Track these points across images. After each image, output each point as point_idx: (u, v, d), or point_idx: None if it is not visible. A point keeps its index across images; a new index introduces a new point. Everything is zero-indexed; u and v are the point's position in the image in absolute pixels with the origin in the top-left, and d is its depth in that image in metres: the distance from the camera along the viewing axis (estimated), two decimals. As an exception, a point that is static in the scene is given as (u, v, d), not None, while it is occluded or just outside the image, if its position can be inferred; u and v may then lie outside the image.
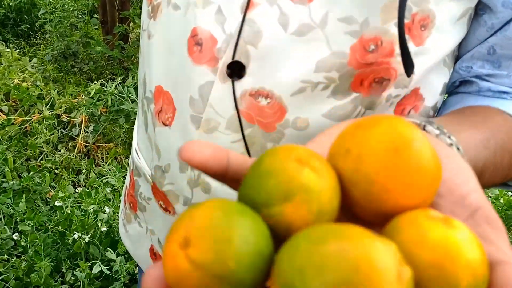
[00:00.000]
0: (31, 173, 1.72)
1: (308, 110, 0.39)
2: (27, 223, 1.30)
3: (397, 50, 0.35)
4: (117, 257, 1.13)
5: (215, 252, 0.18)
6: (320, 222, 0.20)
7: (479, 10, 0.40)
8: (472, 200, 0.22)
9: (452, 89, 0.45)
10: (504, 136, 0.37)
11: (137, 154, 0.56)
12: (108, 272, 1.11)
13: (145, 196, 0.56)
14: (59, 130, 2.11)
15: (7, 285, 1.22)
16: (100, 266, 1.05)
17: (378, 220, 0.22)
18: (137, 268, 0.77)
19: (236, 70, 0.38)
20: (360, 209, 0.22)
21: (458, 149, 0.29)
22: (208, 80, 0.39)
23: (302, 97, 0.38)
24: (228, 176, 0.24)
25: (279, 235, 0.20)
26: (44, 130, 2.03)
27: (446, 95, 0.46)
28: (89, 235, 1.21)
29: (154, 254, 0.60)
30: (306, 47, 0.36)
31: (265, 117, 0.39)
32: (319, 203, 0.20)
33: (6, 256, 1.33)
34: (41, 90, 2.19)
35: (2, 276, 1.25)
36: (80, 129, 2.09)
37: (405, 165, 0.20)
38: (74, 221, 1.28)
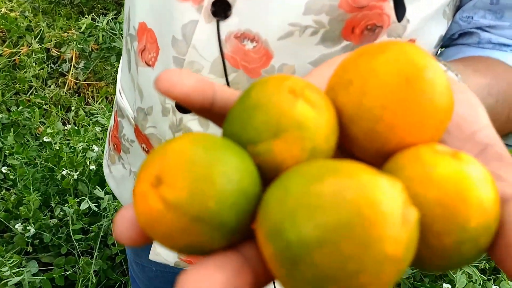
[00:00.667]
0: (20, 107, 1.70)
1: (295, 56, 0.37)
2: (15, 157, 1.30)
3: None
4: (105, 195, 1.15)
5: (192, 190, 0.15)
6: None
7: None
8: (482, 137, 0.20)
9: (450, 41, 0.43)
10: (506, 87, 0.35)
11: (120, 94, 0.54)
12: (96, 209, 1.13)
13: (128, 138, 0.55)
14: (49, 65, 2.06)
15: (-3, 216, 1.25)
16: (88, 202, 1.07)
17: (379, 161, 0.19)
18: None
19: (221, 9, 0.36)
20: (360, 149, 0.19)
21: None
22: (192, 19, 0.37)
23: (290, 42, 0.36)
24: (213, 111, 0.20)
25: (267, 176, 0.18)
26: (33, 64, 1.98)
27: (442, 48, 0.44)
28: (78, 172, 1.22)
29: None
30: None
31: (250, 62, 0.38)
32: (314, 141, 0.17)
33: (-5, 188, 1.35)
34: (30, 21, 2.11)
35: (-8, 208, 1.27)
36: (71, 65, 2.04)
37: (416, 98, 0.17)
38: (63, 158, 1.28)
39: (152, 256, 0.60)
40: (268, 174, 0.18)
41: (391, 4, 0.34)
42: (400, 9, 0.32)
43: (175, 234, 0.16)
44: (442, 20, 0.40)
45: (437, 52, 0.44)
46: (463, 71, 0.31)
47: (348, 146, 0.20)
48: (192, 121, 0.43)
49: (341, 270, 0.14)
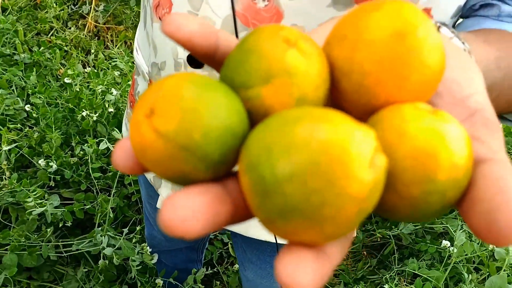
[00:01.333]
0: (42, 48, 1.73)
1: (305, 17, 0.37)
2: (38, 97, 1.34)
3: None
4: (122, 137, 1.19)
5: (180, 122, 0.16)
6: None
7: None
8: (473, 102, 0.20)
9: (470, 12, 0.42)
10: None
11: (137, 51, 0.56)
12: (112, 148, 1.18)
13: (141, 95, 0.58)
14: (69, 6, 2.06)
15: (21, 151, 1.32)
16: (107, 143, 1.12)
17: (367, 116, 0.20)
18: None
19: None
20: (350, 103, 0.20)
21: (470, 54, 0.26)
22: None
23: (301, 2, 0.36)
24: (216, 58, 0.21)
25: (256, 120, 0.19)
26: (54, 4, 1.99)
27: (462, 19, 0.43)
28: (97, 114, 1.26)
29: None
30: None
31: (260, 21, 0.38)
32: (303, 89, 0.18)
33: (19, 125, 1.41)
34: (50, -40, 2.09)
35: (16, 144, 1.33)
36: (91, 8, 2.03)
37: (405, 55, 0.18)
38: (83, 100, 1.32)
39: (159, 205, 0.65)
40: (257, 118, 0.19)
41: None
42: None
43: (163, 161, 0.17)
44: None
45: (456, 22, 0.43)
46: (473, 40, 0.30)
47: (338, 99, 0.20)
48: None
49: (306, 202, 0.15)
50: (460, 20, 0.43)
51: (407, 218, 0.18)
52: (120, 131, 1.25)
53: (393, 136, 0.17)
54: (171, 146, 0.16)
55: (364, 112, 0.20)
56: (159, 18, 0.45)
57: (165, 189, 0.63)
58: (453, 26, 0.42)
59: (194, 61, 0.44)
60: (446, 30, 0.26)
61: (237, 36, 0.40)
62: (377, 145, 0.15)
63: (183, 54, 0.44)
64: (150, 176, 0.67)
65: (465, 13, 0.42)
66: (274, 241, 0.61)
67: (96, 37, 2.03)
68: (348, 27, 0.19)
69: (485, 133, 0.19)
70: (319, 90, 0.18)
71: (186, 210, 0.16)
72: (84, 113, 1.23)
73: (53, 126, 1.24)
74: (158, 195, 0.68)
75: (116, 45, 1.97)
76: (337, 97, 0.20)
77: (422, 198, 0.17)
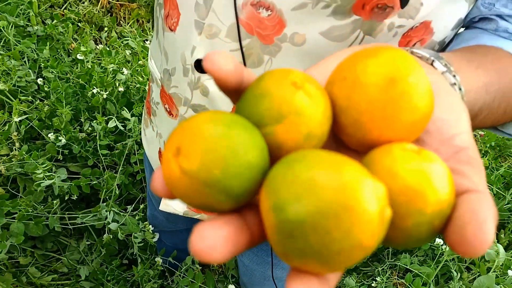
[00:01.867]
0: (55, 21, 1.74)
1: (306, 26, 0.38)
2: (50, 71, 1.36)
3: None
4: (131, 117, 1.22)
5: (201, 160, 0.18)
6: (310, 145, 0.21)
7: None
8: (459, 141, 0.22)
9: (470, 23, 0.44)
10: (509, 83, 0.36)
11: (150, 59, 0.58)
12: (122, 128, 1.21)
13: (155, 101, 0.60)
14: (84, -19, 2.06)
15: (31, 123, 1.34)
16: (115, 122, 1.14)
17: (362, 149, 0.22)
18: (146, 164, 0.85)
19: None
20: (347, 137, 0.22)
21: (460, 89, 0.29)
22: None
23: (303, 12, 0.37)
24: (239, 92, 0.23)
25: (271, 153, 0.21)
26: (69, -22, 1.99)
27: (463, 29, 0.45)
28: (107, 92, 1.28)
29: (161, 156, 0.65)
30: None
31: (264, 29, 0.40)
32: (309, 126, 0.20)
33: (30, 98, 1.43)
34: None
35: (27, 116, 1.36)
36: (105, -16, 2.03)
37: (395, 98, 0.20)
38: (94, 77, 1.34)
39: (162, 207, 0.67)
40: (271, 152, 0.21)
41: None
42: None
43: (189, 195, 0.19)
44: (463, 4, 0.40)
45: (456, 33, 0.44)
46: (466, 68, 0.32)
47: (338, 133, 0.23)
48: (208, 80, 0.47)
49: (326, 249, 0.17)
50: (461, 29, 0.44)
51: (401, 245, 0.21)
52: (129, 110, 1.27)
53: (386, 177, 0.19)
54: (195, 182, 0.19)
55: (359, 144, 0.22)
56: (169, 27, 0.47)
57: None
58: (453, 37, 0.44)
59: (201, 67, 0.46)
60: (439, 64, 0.28)
61: (240, 43, 0.41)
62: (386, 199, 0.18)
63: (191, 60, 0.46)
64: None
65: (465, 23, 0.44)
66: None
67: (109, 14, 2.03)
68: (348, 70, 0.22)
69: (469, 169, 0.21)
70: (323, 126, 0.21)
71: (212, 241, 0.19)
72: (94, 90, 1.25)
73: (64, 101, 1.27)
74: None
75: (128, 23, 1.98)
76: (337, 130, 0.22)
77: (414, 228, 0.19)
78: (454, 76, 0.28)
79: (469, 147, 0.22)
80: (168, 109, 0.56)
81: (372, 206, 0.17)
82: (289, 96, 0.20)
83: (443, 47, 0.44)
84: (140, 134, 1.27)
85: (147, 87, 0.70)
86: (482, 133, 1.48)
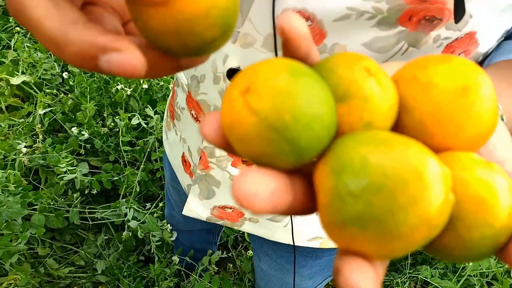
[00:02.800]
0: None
1: (348, 37, 0.37)
2: (76, 65, 1.37)
3: None
4: (154, 114, 1.22)
5: (273, 102, 0.17)
6: None
7: None
8: (508, 167, 0.22)
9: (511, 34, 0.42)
10: None
11: None
12: (145, 125, 1.21)
13: (180, 106, 0.59)
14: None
15: (55, 116, 1.36)
16: (139, 119, 1.15)
17: None
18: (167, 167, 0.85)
19: None
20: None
21: (502, 119, 0.28)
22: None
23: (345, 23, 0.36)
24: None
25: None
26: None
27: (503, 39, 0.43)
28: (131, 89, 1.29)
29: (184, 161, 0.65)
30: None
31: None
32: (372, 116, 0.19)
33: (55, 91, 1.45)
34: None
35: (51, 108, 1.37)
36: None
37: (466, 107, 0.19)
38: (118, 73, 1.35)
39: (185, 212, 0.66)
40: None
41: None
42: (459, 11, 0.31)
43: (251, 139, 0.17)
44: (510, 15, 0.38)
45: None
46: (507, 92, 0.32)
47: (399, 133, 0.21)
48: None
49: (390, 215, 0.16)
50: (502, 41, 0.43)
51: (458, 257, 0.19)
52: (153, 108, 1.27)
53: (457, 183, 0.18)
54: (261, 125, 0.17)
55: None
56: None
57: (192, 196, 0.64)
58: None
59: (233, 75, 0.45)
60: None
61: (276, 53, 0.40)
62: (451, 183, 0.17)
63: (222, 68, 0.45)
64: (184, 184, 0.69)
65: (509, 33, 0.42)
66: (291, 244, 0.63)
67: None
68: (419, 70, 0.21)
69: None
70: (386, 121, 0.20)
71: (258, 187, 0.17)
72: (119, 87, 1.25)
73: (88, 95, 1.27)
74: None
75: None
76: (397, 130, 0.21)
77: (479, 241, 0.18)
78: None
79: None
80: (195, 115, 0.55)
81: (440, 181, 0.16)
82: (360, 79, 0.19)
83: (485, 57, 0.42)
84: (161, 131, 1.27)
85: (171, 88, 0.69)
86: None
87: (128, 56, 0.18)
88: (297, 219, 0.60)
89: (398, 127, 0.21)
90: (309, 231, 0.62)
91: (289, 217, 0.61)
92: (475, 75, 0.20)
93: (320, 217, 0.18)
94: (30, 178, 1.30)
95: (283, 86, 0.17)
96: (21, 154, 1.08)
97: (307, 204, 0.19)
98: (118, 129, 1.28)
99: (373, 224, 0.16)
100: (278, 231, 0.63)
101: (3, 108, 1.45)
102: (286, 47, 0.21)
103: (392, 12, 0.34)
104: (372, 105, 0.19)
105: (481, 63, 0.42)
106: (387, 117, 0.20)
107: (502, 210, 0.18)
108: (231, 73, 0.45)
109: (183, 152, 0.64)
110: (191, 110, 0.56)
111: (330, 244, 0.65)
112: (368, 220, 0.16)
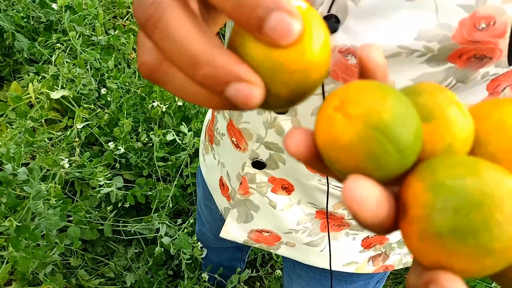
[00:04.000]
0: (117, 31, 1.82)
1: (397, 72, 0.37)
2: (113, 81, 1.42)
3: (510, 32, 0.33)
4: (188, 131, 1.24)
5: (370, 105, 0.18)
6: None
7: None
8: None
9: None
10: None
11: None
12: (179, 141, 1.23)
13: (220, 132, 0.60)
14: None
15: (92, 130, 1.40)
16: (173, 135, 1.17)
17: None
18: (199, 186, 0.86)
19: (330, 23, 0.36)
20: None
21: None
22: None
23: (395, 60, 0.36)
24: None
25: None
26: (133, -9, 2.07)
27: None
28: (166, 106, 1.32)
29: (222, 185, 0.66)
30: (412, 12, 0.34)
31: (350, 75, 0.39)
32: (454, 138, 0.20)
33: (92, 105, 1.49)
34: None
35: (88, 122, 1.42)
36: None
37: None
38: (154, 90, 1.38)
39: (223, 234, 0.67)
40: None
41: (507, 40, 0.33)
42: None
43: (356, 144, 0.18)
44: None
45: None
46: None
47: None
48: (285, 121, 0.47)
49: (488, 230, 0.17)
50: None
51: None
52: (187, 125, 1.30)
53: None
54: (363, 128, 0.18)
55: None
56: None
57: (230, 220, 0.65)
58: None
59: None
60: None
61: (323, 88, 0.40)
62: None
63: None
64: (221, 207, 0.70)
65: None
66: (327, 268, 0.63)
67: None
68: (492, 109, 0.22)
69: None
70: (465, 147, 0.21)
71: (368, 193, 0.18)
72: (154, 103, 1.28)
73: (125, 111, 1.31)
74: (213, 199, 0.72)
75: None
76: None
77: None
78: None
79: None
80: (236, 142, 0.56)
81: None
82: (445, 103, 0.20)
83: None
84: (194, 148, 1.29)
85: (209, 114, 0.70)
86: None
87: (255, 89, 0.18)
88: (333, 244, 0.61)
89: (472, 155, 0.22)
90: (345, 256, 0.62)
91: (327, 242, 0.61)
92: None
93: (410, 231, 0.19)
94: (66, 190, 1.34)
95: (376, 94, 0.19)
96: (62, 169, 1.12)
97: (394, 218, 0.20)
98: (151, 144, 1.31)
99: (470, 236, 0.17)
100: (314, 255, 0.63)
101: (43, 121, 1.50)
102: (362, 75, 0.22)
103: (443, 51, 0.35)
104: (454, 128, 0.20)
105: None
106: (466, 143, 0.21)
107: None
108: None
109: (221, 176, 0.65)
110: (231, 137, 0.57)
111: (365, 269, 0.64)
112: (466, 232, 0.17)
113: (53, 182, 1.07)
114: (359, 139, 0.18)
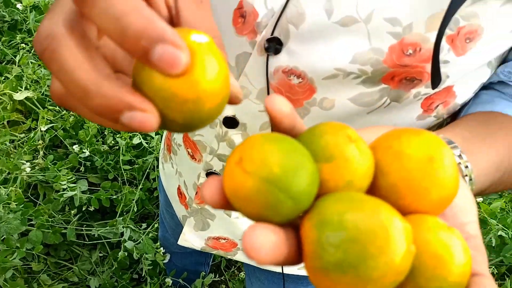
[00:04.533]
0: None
1: (336, 92, 0.40)
2: (79, 84, 1.40)
3: None
4: (155, 135, 1.25)
5: (262, 161, 0.20)
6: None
7: None
8: (469, 229, 0.25)
9: (488, 84, 0.45)
10: None
11: None
12: (146, 145, 1.24)
13: (177, 142, 0.62)
14: None
15: (56, 133, 1.38)
16: (140, 138, 1.17)
17: None
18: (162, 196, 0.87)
19: (273, 46, 0.39)
20: (382, 198, 0.23)
21: (470, 179, 0.33)
22: (246, 51, 0.41)
23: (333, 81, 0.39)
24: (291, 135, 0.25)
25: None
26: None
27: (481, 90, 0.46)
28: (133, 109, 1.31)
29: (180, 193, 0.68)
30: (347, 38, 0.36)
31: (294, 94, 0.41)
32: (353, 175, 0.22)
33: (57, 107, 1.47)
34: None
35: (52, 124, 1.40)
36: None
37: (432, 174, 0.23)
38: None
39: (181, 242, 0.69)
40: None
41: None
42: (436, 79, 0.35)
43: (251, 196, 0.21)
44: (485, 70, 0.42)
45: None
46: (478, 148, 0.36)
47: (373, 193, 0.24)
48: (235, 135, 0.49)
49: (363, 262, 0.19)
50: (480, 90, 0.46)
51: None
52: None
53: (419, 241, 0.22)
54: (257, 181, 0.20)
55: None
56: None
57: (188, 228, 0.68)
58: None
59: (228, 123, 0.49)
60: (454, 153, 0.31)
61: None
62: (411, 237, 0.21)
63: (219, 116, 0.48)
64: (180, 215, 0.72)
65: (486, 84, 0.45)
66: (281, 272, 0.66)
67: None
68: (393, 141, 0.25)
69: (476, 255, 0.24)
70: (364, 181, 0.23)
71: (263, 241, 0.20)
72: (121, 106, 1.28)
73: (91, 114, 1.30)
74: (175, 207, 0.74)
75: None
76: (372, 190, 0.24)
77: None
78: (466, 167, 0.32)
79: (477, 236, 0.25)
80: (191, 153, 0.58)
81: (403, 234, 0.20)
82: (343, 144, 0.23)
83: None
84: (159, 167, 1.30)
85: None
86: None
87: (149, 116, 0.19)
88: None
89: (374, 187, 0.24)
90: None
91: None
92: (439, 148, 0.24)
93: (306, 265, 0.21)
94: (28, 194, 1.31)
95: (268, 149, 0.21)
96: (24, 172, 1.10)
97: (297, 255, 0.22)
98: (118, 147, 1.30)
99: (350, 269, 0.19)
100: None
101: (5, 123, 1.47)
102: (272, 122, 0.24)
103: (376, 73, 0.38)
104: (352, 165, 0.23)
105: (459, 111, 0.46)
106: (365, 178, 0.23)
107: (455, 268, 0.21)
108: (227, 120, 0.48)
109: (179, 185, 0.67)
110: (187, 148, 0.59)
111: None
112: (346, 266, 0.19)
113: (14, 186, 1.05)
114: (255, 191, 0.20)
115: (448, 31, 0.35)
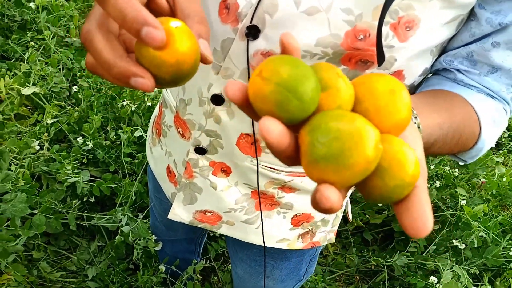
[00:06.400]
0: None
1: None
2: (85, 80, 1.47)
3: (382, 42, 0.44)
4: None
5: (274, 70, 0.27)
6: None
7: (471, 16, 0.48)
8: (417, 154, 0.30)
9: (435, 71, 0.55)
10: (459, 121, 0.48)
11: (166, 90, 0.69)
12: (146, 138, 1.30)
13: (167, 124, 0.69)
14: None
15: (61, 126, 1.44)
16: (141, 132, 1.23)
17: None
18: (148, 173, 0.94)
19: (252, 32, 0.47)
20: None
21: (418, 127, 0.40)
22: (229, 37, 0.49)
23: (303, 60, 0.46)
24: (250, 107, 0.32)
25: None
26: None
27: (431, 74, 0.56)
28: (136, 106, 1.38)
29: (169, 172, 0.75)
30: (311, 25, 0.44)
31: None
32: (342, 101, 0.29)
33: (63, 103, 1.54)
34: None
35: (57, 119, 1.46)
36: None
37: (393, 101, 0.30)
38: (125, 90, 1.45)
39: (171, 216, 0.76)
40: None
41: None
42: (380, 59, 0.43)
43: (267, 96, 0.27)
44: (428, 57, 0.50)
45: (424, 78, 0.56)
46: (426, 112, 0.44)
47: None
48: (221, 111, 0.57)
49: (342, 153, 0.26)
50: (430, 75, 0.56)
51: (380, 197, 0.29)
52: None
53: (388, 149, 0.29)
54: (272, 85, 0.27)
55: None
56: None
57: (177, 203, 0.75)
58: (423, 80, 0.56)
59: (215, 99, 0.56)
60: None
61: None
62: (379, 138, 0.27)
63: (207, 94, 0.56)
64: (169, 193, 0.79)
65: (433, 71, 0.55)
66: (262, 245, 0.72)
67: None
68: (366, 79, 0.32)
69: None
70: (348, 106, 0.30)
71: (274, 126, 0.27)
72: (124, 102, 1.35)
73: (95, 109, 1.36)
74: (162, 190, 0.81)
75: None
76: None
77: (394, 188, 0.28)
78: (415, 117, 0.41)
79: (421, 159, 0.32)
80: (181, 132, 0.65)
81: (373, 134, 0.26)
82: (334, 78, 0.30)
83: (415, 87, 0.55)
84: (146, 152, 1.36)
85: (156, 111, 0.79)
86: (484, 180, 1.54)
87: (147, 80, 0.31)
88: (267, 222, 0.69)
89: (353, 112, 0.31)
90: (277, 233, 0.72)
91: (260, 220, 0.70)
92: (398, 84, 0.31)
93: (302, 163, 0.28)
94: (32, 183, 1.37)
95: (281, 63, 0.28)
96: (32, 155, 1.16)
97: (295, 150, 0.28)
98: (119, 142, 1.36)
99: (333, 159, 0.26)
100: (251, 234, 0.72)
101: (12, 116, 1.53)
102: (284, 54, 0.31)
103: (336, 55, 0.46)
104: (341, 94, 0.30)
105: (414, 91, 0.55)
106: (349, 103, 0.30)
107: (411, 172, 0.28)
108: (214, 98, 0.56)
109: (168, 164, 0.74)
110: (178, 128, 0.66)
111: (296, 245, 0.74)
112: (330, 157, 0.26)
113: (23, 162, 1.11)
114: (270, 92, 0.27)
115: (390, 20, 0.43)
